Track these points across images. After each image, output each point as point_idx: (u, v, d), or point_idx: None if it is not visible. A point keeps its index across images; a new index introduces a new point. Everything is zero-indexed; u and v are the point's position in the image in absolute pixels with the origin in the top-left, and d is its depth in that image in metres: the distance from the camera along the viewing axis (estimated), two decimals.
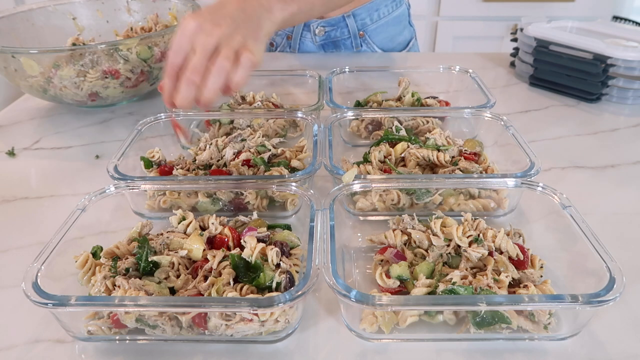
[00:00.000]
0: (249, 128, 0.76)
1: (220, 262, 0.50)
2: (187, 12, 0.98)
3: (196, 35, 0.56)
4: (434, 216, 0.56)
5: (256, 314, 0.44)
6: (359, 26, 1.13)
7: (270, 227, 0.57)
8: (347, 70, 0.91)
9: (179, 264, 0.51)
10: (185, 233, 0.55)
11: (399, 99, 0.84)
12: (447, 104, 0.83)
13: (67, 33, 1.04)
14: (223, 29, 0.57)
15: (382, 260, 0.53)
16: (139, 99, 0.97)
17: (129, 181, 0.60)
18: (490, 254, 0.51)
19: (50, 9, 1.03)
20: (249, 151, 0.69)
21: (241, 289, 0.47)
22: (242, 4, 0.61)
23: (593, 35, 0.96)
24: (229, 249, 0.53)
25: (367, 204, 0.62)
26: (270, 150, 0.70)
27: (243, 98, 0.86)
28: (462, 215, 0.56)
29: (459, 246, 0.53)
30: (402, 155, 0.69)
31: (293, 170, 0.67)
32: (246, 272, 0.49)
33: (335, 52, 1.18)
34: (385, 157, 0.68)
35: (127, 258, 0.51)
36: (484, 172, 0.64)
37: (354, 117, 0.76)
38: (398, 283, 0.50)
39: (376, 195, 0.61)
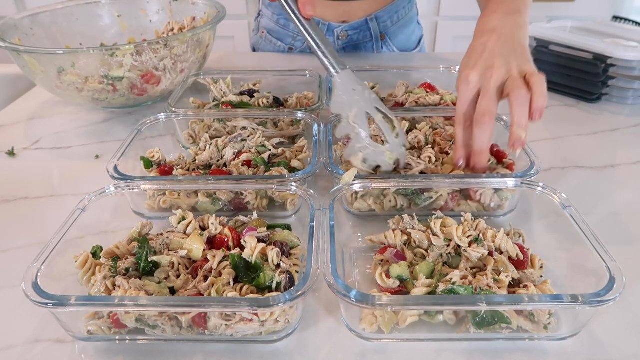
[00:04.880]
0: (250, 128, 0.76)
1: (220, 262, 0.50)
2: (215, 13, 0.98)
3: (479, 82, 0.61)
4: (434, 216, 0.56)
5: (256, 314, 0.44)
6: (381, 29, 1.13)
7: (270, 227, 0.57)
8: None
9: (179, 264, 0.51)
10: (185, 233, 0.55)
11: (402, 104, 0.83)
12: (454, 103, 0.83)
13: (114, 32, 1.07)
14: (497, 68, 0.60)
15: (382, 260, 0.53)
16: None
17: (129, 181, 0.60)
18: (490, 254, 0.51)
19: (98, 4, 1.06)
20: (249, 151, 0.69)
21: (241, 289, 0.47)
22: (500, 36, 0.64)
23: (593, 35, 0.96)
24: (229, 249, 0.53)
25: (365, 205, 0.62)
26: (270, 150, 0.70)
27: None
28: (462, 216, 0.56)
29: (459, 246, 0.53)
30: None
31: (293, 170, 0.67)
32: (246, 272, 0.49)
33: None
34: None
35: (127, 258, 0.51)
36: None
37: None
38: (398, 283, 0.50)
39: (370, 198, 0.62)
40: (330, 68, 0.65)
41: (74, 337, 0.47)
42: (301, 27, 0.64)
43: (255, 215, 0.58)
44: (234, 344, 0.47)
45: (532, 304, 0.43)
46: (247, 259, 0.50)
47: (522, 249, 0.52)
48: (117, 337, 0.47)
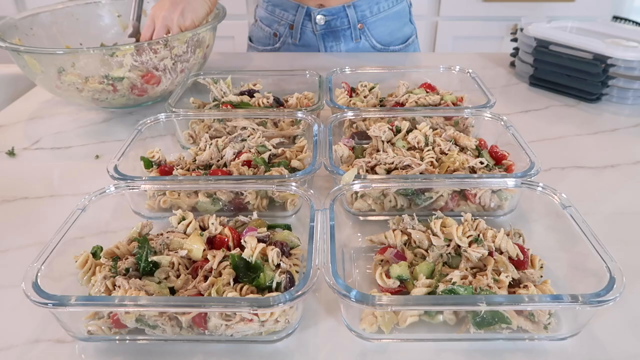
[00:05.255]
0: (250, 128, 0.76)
1: (220, 262, 0.50)
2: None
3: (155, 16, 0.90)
4: (434, 216, 0.56)
5: (256, 314, 0.44)
6: (358, 17, 1.15)
7: (270, 227, 0.57)
8: (347, 70, 0.92)
9: (179, 264, 0.51)
10: (185, 233, 0.55)
11: (402, 104, 0.83)
12: (460, 100, 0.83)
13: (114, 32, 1.08)
14: (165, 10, 0.90)
15: (382, 260, 0.53)
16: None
17: (129, 181, 0.60)
18: (490, 254, 0.51)
19: (98, 4, 1.06)
20: (249, 151, 0.69)
21: (241, 289, 0.47)
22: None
23: (593, 35, 0.96)
24: (229, 249, 0.53)
25: (365, 205, 0.62)
26: (270, 150, 0.70)
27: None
28: (462, 216, 0.56)
29: (459, 246, 0.53)
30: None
31: (293, 170, 0.67)
32: (246, 272, 0.49)
33: (336, 52, 1.18)
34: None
35: (127, 258, 0.51)
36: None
37: (353, 117, 0.76)
38: (398, 283, 0.50)
39: (370, 198, 0.62)
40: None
41: (74, 337, 0.47)
42: None
43: (255, 215, 0.58)
44: (234, 344, 0.47)
45: (532, 304, 0.43)
46: (247, 259, 0.50)
47: (522, 249, 0.52)
48: (117, 337, 0.47)
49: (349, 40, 1.18)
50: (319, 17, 1.14)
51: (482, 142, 0.70)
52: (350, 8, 1.13)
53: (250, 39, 1.32)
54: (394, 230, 0.56)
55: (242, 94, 0.86)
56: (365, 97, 0.86)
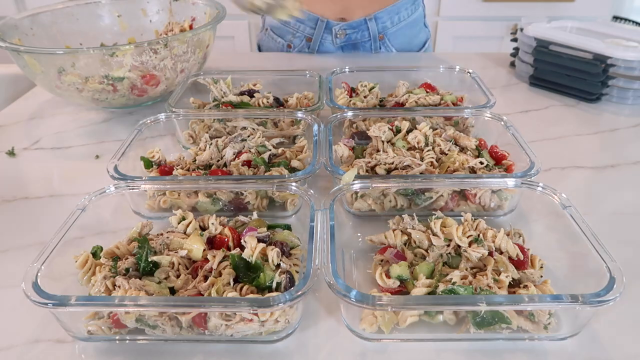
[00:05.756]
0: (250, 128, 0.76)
1: (220, 262, 0.50)
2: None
3: None
4: (434, 216, 0.56)
5: (256, 314, 0.44)
6: (379, 29, 1.14)
7: (270, 227, 0.57)
8: (347, 70, 0.92)
9: (179, 264, 0.51)
10: (185, 233, 0.55)
11: (402, 104, 0.83)
12: (460, 100, 0.83)
13: (114, 32, 1.07)
14: None
15: (382, 260, 0.53)
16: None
17: (129, 181, 0.60)
18: (490, 254, 0.51)
19: (98, 4, 1.05)
20: (249, 151, 0.69)
21: (241, 289, 0.47)
22: None
23: (593, 35, 0.96)
24: (229, 249, 0.53)
25: (365, 205, 0.62)
26: (270, 150, 0.70)
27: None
28: (462, 216, 0.56)
29: (459, 246, 0.53)
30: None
31: (293, 170, 0.67)
32: (246, 272, 0.49)
33: (332, 53, 1.18)
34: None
35: (127, 258, 0.51)
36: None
37: (353, 117, 0.76)
38: (398, 283, 0.50)
39: (370, 198, 0.62)
40: None
41: (74, 337, 0.47)
42: None
43: (255, 215, 0.58)
44: (234, 344, 0.47)
45: (532, 304, 0.43)
46: (247, 259, 0.50)
47: (522, 249, 0.52)
48: (117, 337, 0.47)
49: (368, 52, 1.17)
50: (340, 31, 1.13)
51: (482, 142, 0.70)
52: (371, 21, 1.12)
53: (259, 47, 1.29)
54: (394, 230, 0.56)
55: (242, 94, 0.86)
56: (365, 97, 0.86)
